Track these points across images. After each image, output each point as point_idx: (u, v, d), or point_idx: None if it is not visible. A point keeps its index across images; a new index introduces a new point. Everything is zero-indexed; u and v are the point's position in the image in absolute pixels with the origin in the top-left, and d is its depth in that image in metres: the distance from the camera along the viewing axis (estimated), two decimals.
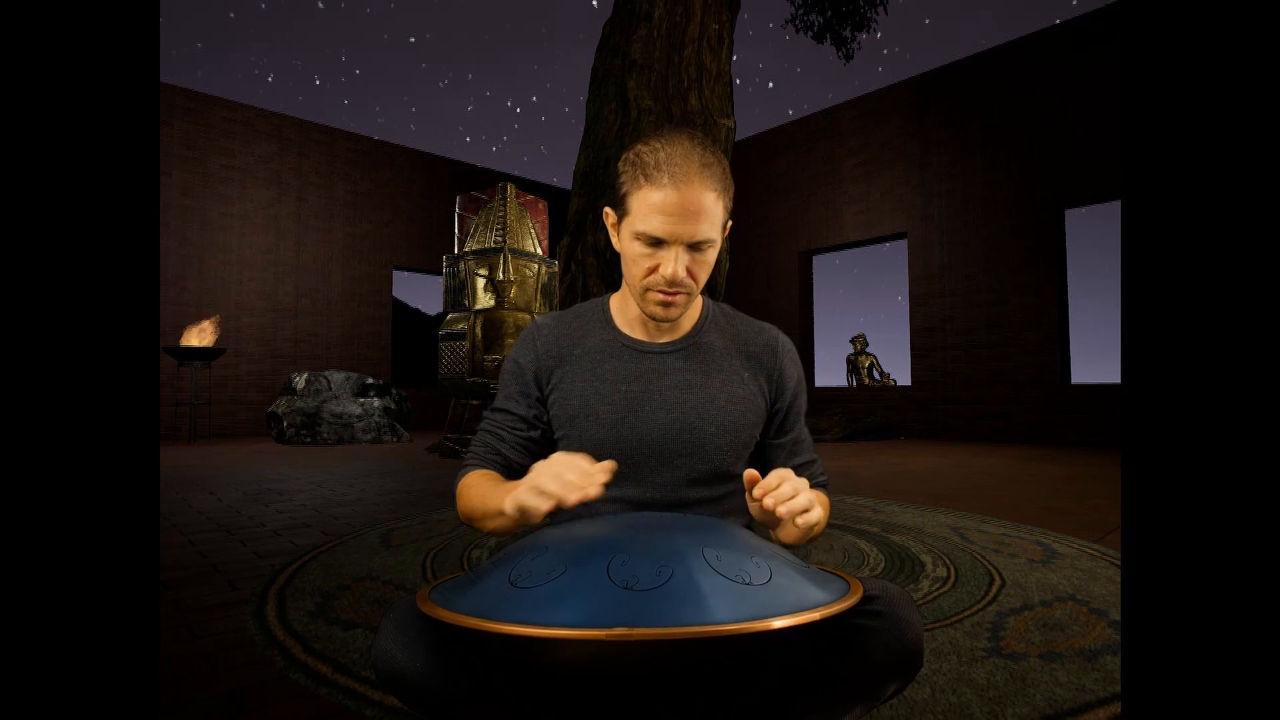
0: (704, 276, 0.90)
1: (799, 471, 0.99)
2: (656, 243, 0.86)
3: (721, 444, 0.93)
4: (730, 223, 0.95)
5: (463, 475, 0.94)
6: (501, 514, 0.78)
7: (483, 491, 0.86)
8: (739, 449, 0.95)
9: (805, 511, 0.72)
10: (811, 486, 0.96)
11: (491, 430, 0.98)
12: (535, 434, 0.97)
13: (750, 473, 0.76)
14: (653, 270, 0.87)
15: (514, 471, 0.95)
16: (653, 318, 0.92)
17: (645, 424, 0.92)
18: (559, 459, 0.72)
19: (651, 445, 0.92)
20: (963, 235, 8.16)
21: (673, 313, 0.91)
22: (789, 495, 0.72)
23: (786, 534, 0.86)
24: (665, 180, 0.83)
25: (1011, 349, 7.68)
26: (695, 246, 0.86)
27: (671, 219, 0.83)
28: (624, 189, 0.88)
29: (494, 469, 0.94)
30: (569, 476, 0.69)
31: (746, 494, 0.80)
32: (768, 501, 0.72)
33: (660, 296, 0.89)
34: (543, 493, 0.70)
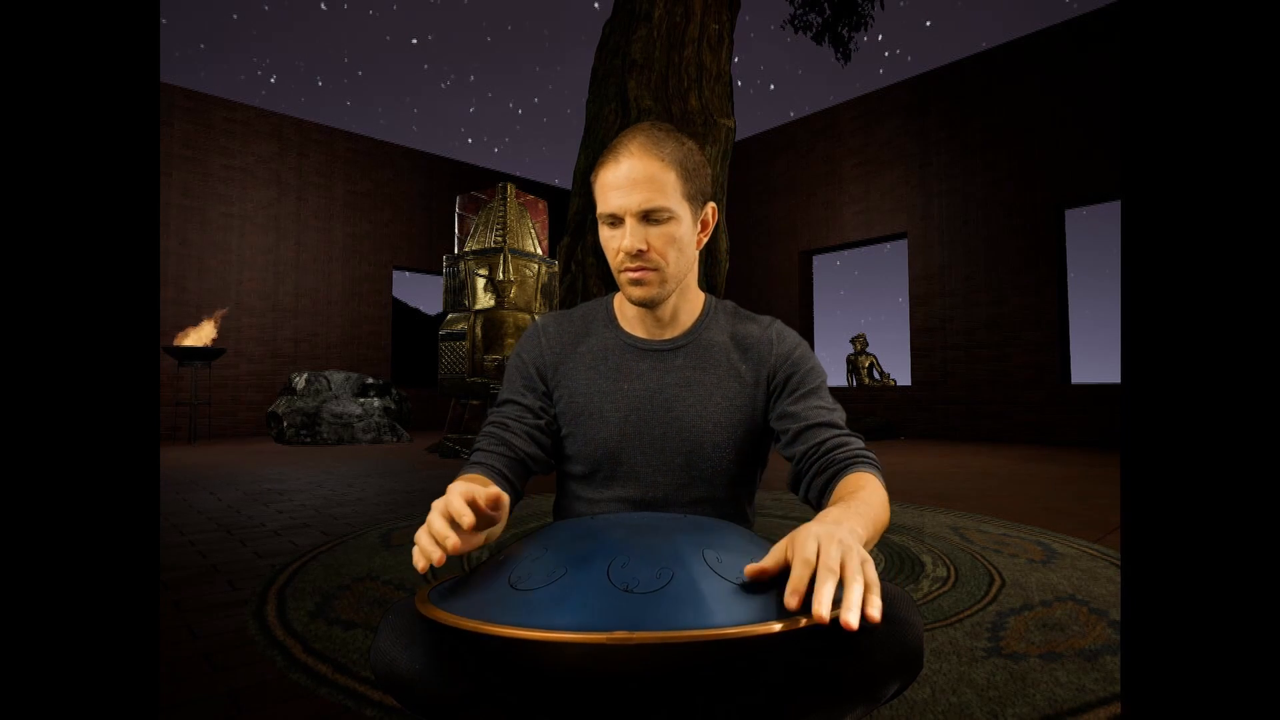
0: (672, 253, 0.88)
1: (818, 433, 0.89)
2: (615, 221, 0.88)
3: (719, 441, 0.93)
4: (712, 205, 0.93)
5: (460, 476, 0.91)
6: None
7: None
8: (738, 446, 0.95)
9: (867, 590, 0.54)
10: (847, 465, 0.84)
11: (497, 422, 0.96)
12: (542, 423, 0.96)
13: (750, 569, 0.58)
14: (619, 251, 0.89)
15: (521, 463, 0.93)
16: (630, 300, 0.92)
17: (647, 422, 0.93)
18: (438, 503, 0.63)
19: (653, 443, 0.92)
20: (963, 235, 8.16)
21: (647, 292, 0.90)
22: (827, 591, 0.53)
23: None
24: (611, 159, 0.87)
25: (1011, 349, 7.68)
26: (648, 218, 0.87)
27: (620, 191, 0.86)
28: (594, 183, 0.91)
29: (497, 462, 0.91)
30: (422, 538, 0.62)
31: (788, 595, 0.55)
32: (815, 611, 0.52)
33: (629, 275, 0.89)
34: (419, 545, 0.62)
